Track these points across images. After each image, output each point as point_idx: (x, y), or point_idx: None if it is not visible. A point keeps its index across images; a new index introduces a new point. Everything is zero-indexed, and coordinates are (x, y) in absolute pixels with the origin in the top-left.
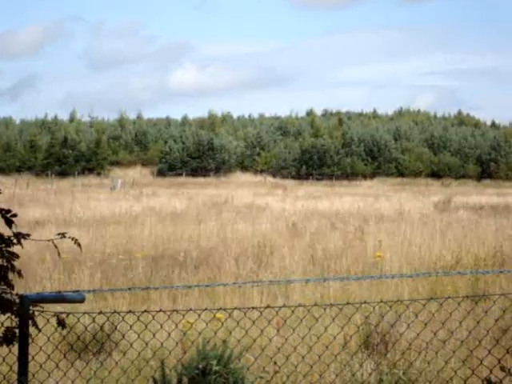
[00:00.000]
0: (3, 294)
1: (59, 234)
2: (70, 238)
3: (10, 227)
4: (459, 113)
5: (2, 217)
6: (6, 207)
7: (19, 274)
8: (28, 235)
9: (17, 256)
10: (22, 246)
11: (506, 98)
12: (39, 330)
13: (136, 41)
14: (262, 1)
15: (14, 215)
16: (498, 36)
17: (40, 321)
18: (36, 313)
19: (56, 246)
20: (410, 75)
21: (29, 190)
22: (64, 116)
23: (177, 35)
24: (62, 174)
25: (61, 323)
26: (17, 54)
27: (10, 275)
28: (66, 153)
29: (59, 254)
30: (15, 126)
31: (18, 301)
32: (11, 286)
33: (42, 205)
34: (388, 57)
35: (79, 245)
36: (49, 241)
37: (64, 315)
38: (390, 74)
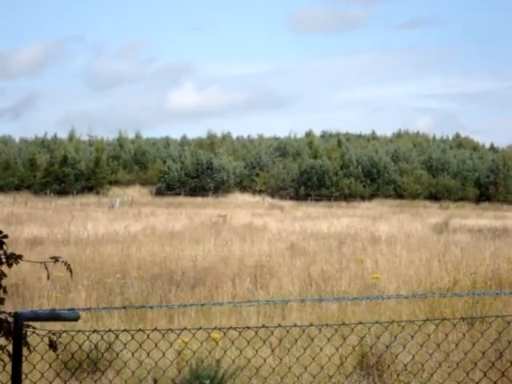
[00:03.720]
0: None
1: (52, 258)
2: (62, 262)
3: (1, 248)
4: (457, 135)
5: None
6: (3, 225)
7: (4, 290)
8: (20, 257)
9: (4, 275)
10: (10, 267)
11: (505, 121)
12: (30, 350)
13: (136, 61)
14: (263, 23)
15: (5, 236)
16: (497, 60)
17: (34, 339)
18: (29, 332)
19: (47, 269)
20: (409, 98)
21: (27, 209)
22: (63, 135)
23: (177, 56)
24: (61, 193)
25: (52, 345)
26: (18, 73)
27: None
28: (66, 171)
29: (48, 278)
30: (15, 145)
31: (9, 319)
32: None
33: (40, 223)
34: (387, 79)
35: (71, 270)
36: (41, 263)
37: (55, 336)
38: (389, 97)
